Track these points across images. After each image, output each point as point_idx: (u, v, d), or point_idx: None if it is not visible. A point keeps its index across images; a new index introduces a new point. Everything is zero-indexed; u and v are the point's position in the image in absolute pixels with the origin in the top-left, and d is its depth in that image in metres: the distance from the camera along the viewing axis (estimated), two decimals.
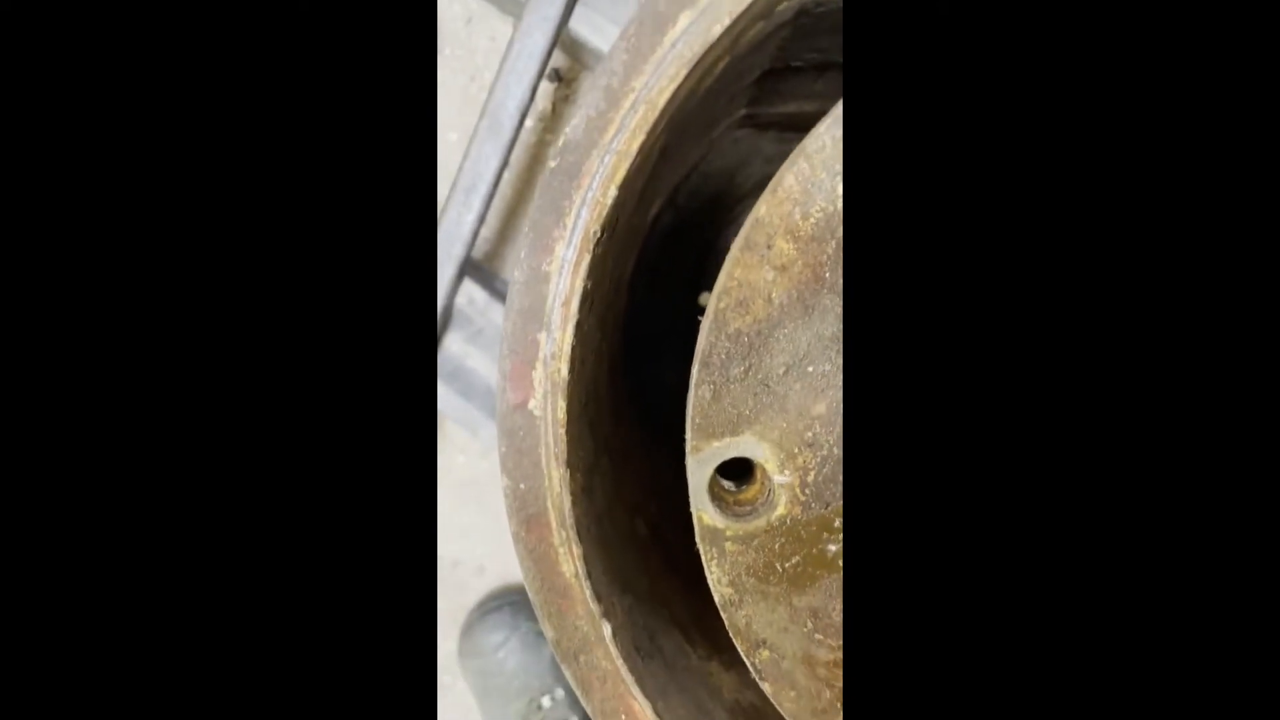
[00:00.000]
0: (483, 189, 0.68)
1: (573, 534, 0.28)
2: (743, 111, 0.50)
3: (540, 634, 0.85)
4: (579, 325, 0.27)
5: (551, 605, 0.30)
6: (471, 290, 0.72)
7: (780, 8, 0.28)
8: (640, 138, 0.26)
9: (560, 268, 0.27)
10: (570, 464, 0.28)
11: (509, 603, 0.85)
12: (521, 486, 0.29)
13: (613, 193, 0.26)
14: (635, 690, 0.29)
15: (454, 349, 0.74)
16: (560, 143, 0.27)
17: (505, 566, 0.88)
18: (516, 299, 0.28)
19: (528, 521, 0.29)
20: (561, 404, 0.27)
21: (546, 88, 0.76)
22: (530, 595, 0.30)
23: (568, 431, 0.28)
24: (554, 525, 0.29)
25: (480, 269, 0.75)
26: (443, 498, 0.87)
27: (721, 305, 0.24)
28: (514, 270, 0.28)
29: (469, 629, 0.85)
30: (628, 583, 0.34)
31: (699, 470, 0.26)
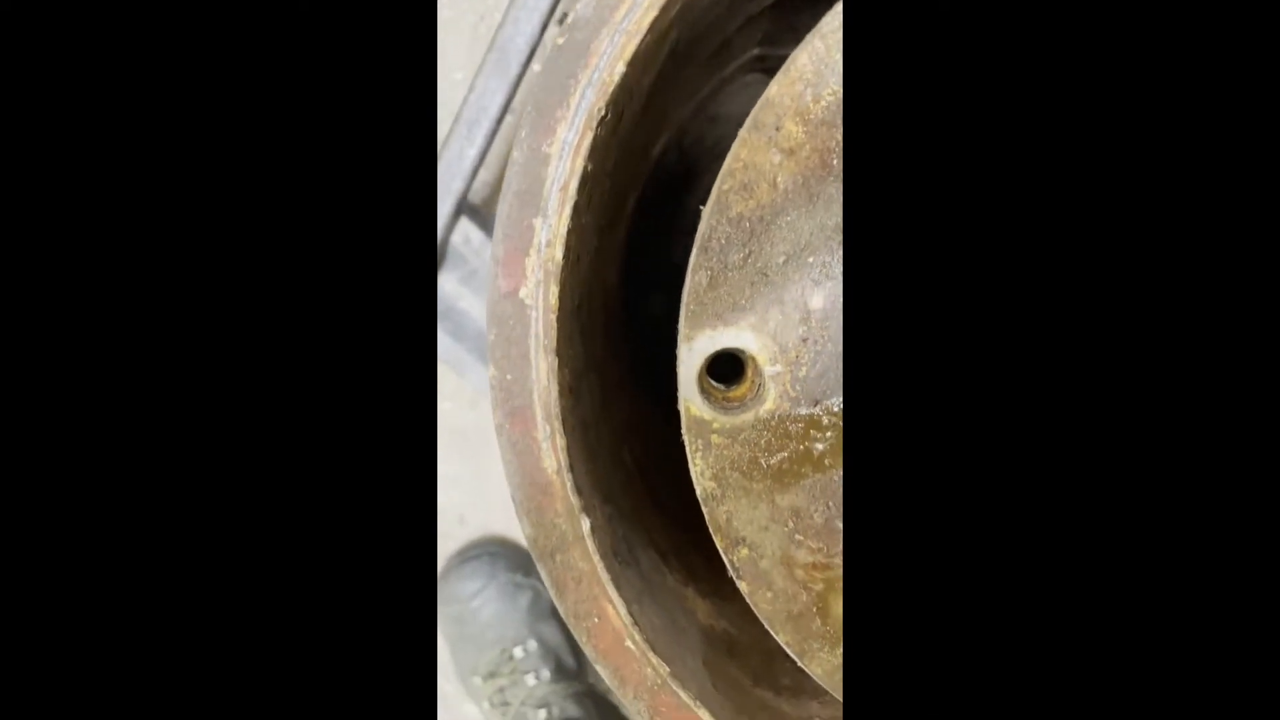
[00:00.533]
0: (486, 124, 0.67)
1: (557, 425, 0.28)
2: (755, 51, 0.50)
3: (517, 585, 0.85)
4: (577, 209, 0.26)
5: (531, 501, 0.29)
6: (468, 229, 0.70)
7: None
8: (653, 14, 0.25)
9: (561, 150, 0.27)
10: (559, 354, 0.28)
11: (487, 552, 0.85)
12: (508, 377, 0.29)
13: (621, 69, 0.25)
14: (611, 591, 0.29)
15: (447, 289, 0.73)
16: (568, 20, 0.26)
17: (487, 517, 0.88)
18: (514, 181, 0.27)
19: (512, 414, 0.29)
20: (554, 290, 0.27)
21: (555, 34, 0.75)
22: (511, 491, 0.30)
23: (559, 320, 0.27)
24: (538, 418, 0.28)
25: (478, 213, 0.74)
26: None
27: (725, 188, 0.24)
28: (512, 151, 0.27)
29: (445, 576, 0.85)
30: (609, 494, 0.34)
31: (690, 359, 0.25)
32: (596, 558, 0.29)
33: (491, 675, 0.84)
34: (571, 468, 0.28)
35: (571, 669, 0.85)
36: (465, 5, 0.78)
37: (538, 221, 0.27)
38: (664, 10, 0.25)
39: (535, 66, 0.75)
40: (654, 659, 0.29)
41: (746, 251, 0.24)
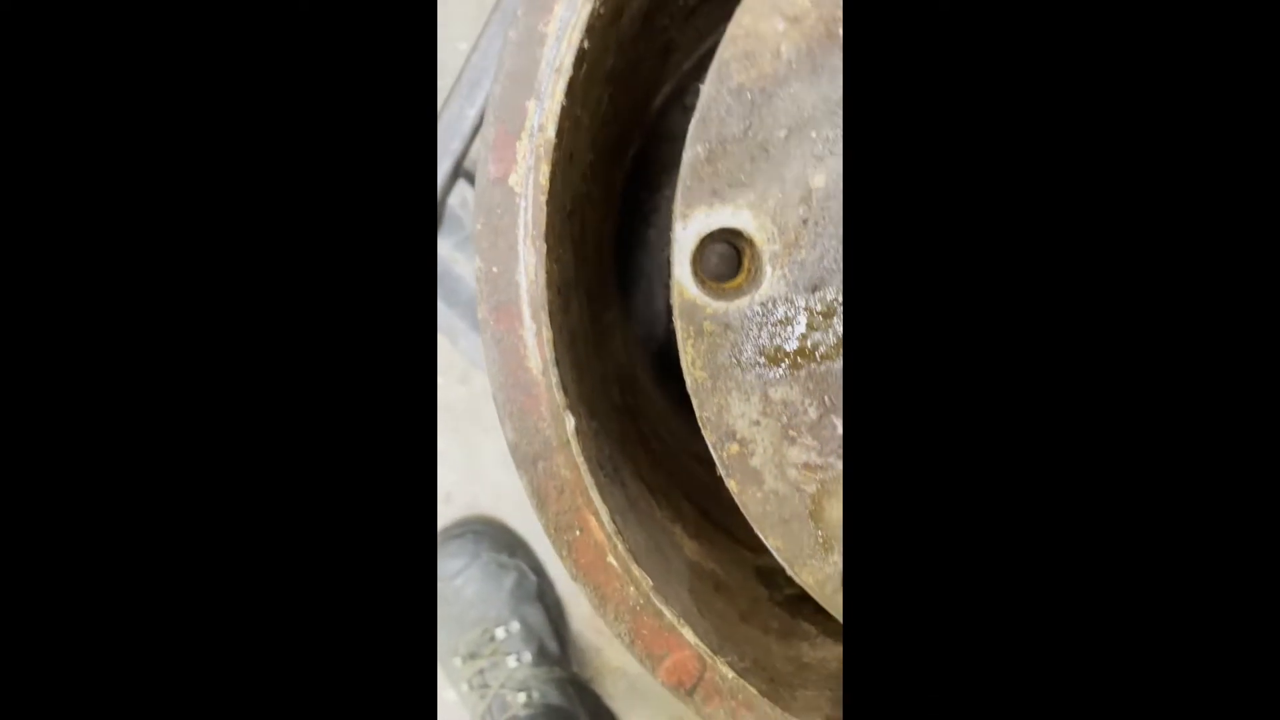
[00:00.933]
0: (487, 84, 0.66)
1: (544, 316, 0.26)
2: None
3: (501, 565, 0.83)
4: (571, 86, 0.25)
5: (514, 403, 0.28)
6: (466, 192, 0.70)
7: None
8: None
9: (559, 30, 0.26)
10: (548, 242, 0.27)
11: (472, 530, 0.83)
12: (494, 270, 0.27)
13: None
14: (595, 498, 0.28)
15: (443, 253, 0.72)
16: None
17: (473, 497, 0.86)
18: (507, 60, 0.26)
19: (497, 308, 0.28)
20: (544, 170, 0.26)
21: None
22: (493, 393, 0.29)
23: (549, 204, 0.26)
24: (525, 314, 0.27)
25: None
26: None
27: (726, 56, 0.23)
28: (507, 30, 0.26)
29: None
30: (595, 411, 0.33)
31: (684, 239, 0.24)
32: (581, 461, 0.27)
33: (472, 656, 0.81)
34: (558, 363, 0.27)
35: (554, 654, 0.82)
36: None
37: (531, 104, 0.26)
38: None
39: None
40: (636, 572, 0.27)
41: (747, 124, 0.23)
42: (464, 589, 0.82)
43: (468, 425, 0.84)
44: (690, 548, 0.36)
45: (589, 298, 0.38)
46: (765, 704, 0.28)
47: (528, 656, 0.80)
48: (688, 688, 0.29)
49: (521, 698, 0.79)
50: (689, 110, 0.58)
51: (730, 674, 0.28)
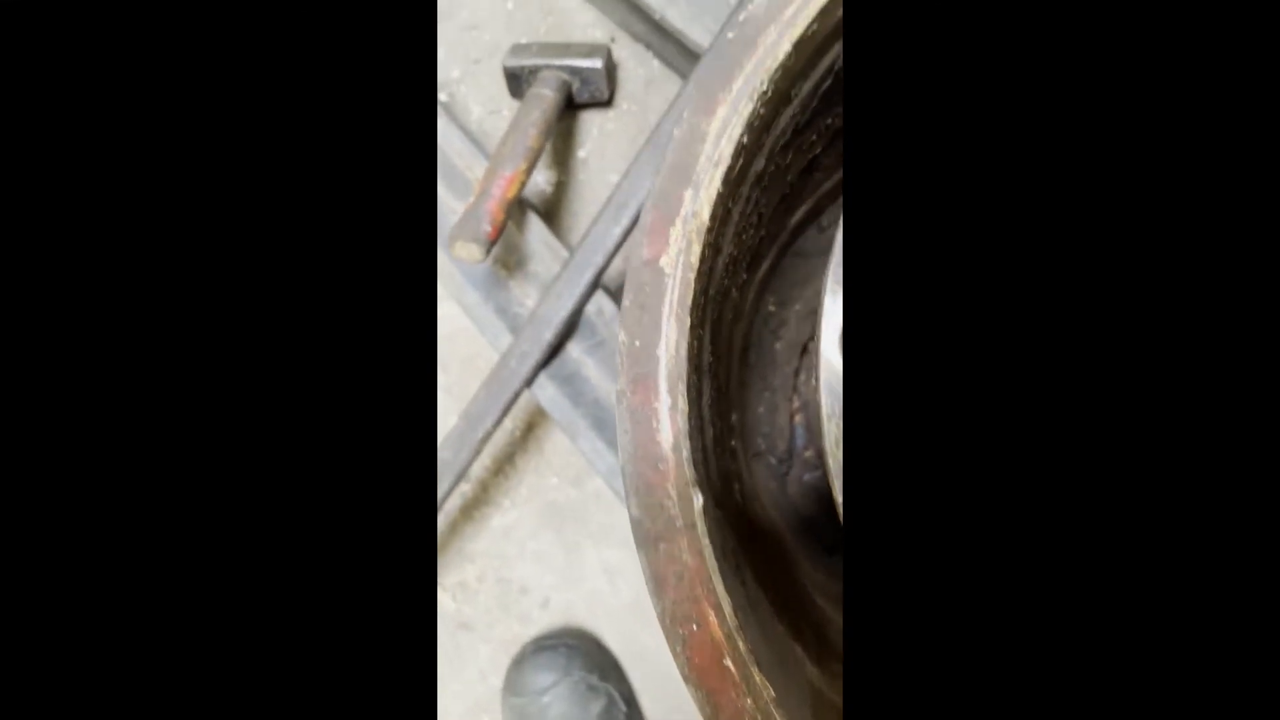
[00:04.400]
0: (633, 207, 0.71)
1: (680, 388, 0.27)
2: None
3: (591, 687, 0.78)
4: (727, 175, 0.27)
5: (641, 479, 0.28)
6: (602, 301, 0.74)
7: None
8: (822, 3, 0.26)
9: (720, 129, 0.28)
10: (691, 317, 0.27)
11: (565, 644, 0.80)
12: (636, 344, 0.28)
13: (786, 48, 0.26)
14: (718, 587, 0.26)
15: (573, 354, 0.75)
16: (740, 18, 0.28)
17: (570, 604, 0.83)
18: (670, 155, 0.29)
19: (635, 380, 0.28)
20: (696, 249, 0.27)
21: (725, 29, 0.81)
22: (621, 464, 0.28)
23: (696, 281, 0.27)
24: (661, 387, 0.28)
25: (612, 294, 0.78)
26: (525, 517, 0.85)
27: None
28: (673, 128, 0.29)
29: (519, 663, 0.80)
30: (719, 499, 0.31)
31: (834, 309, 0.24)
32: (706, 545, 0.26)
33: None
34: (690, 436, 0.26)
35: None
36: (628, 120, 0.87)
37: (688, 193, 0.28)
38: (833, 3, 0.27)
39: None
40: (758, 679, 0.25)
41: None
42: (550, 708, 0.77)
43: (573, 528, 0.84)
44: (811, 671, 0.33)
45: (718, 392, 0.38)
46: None
47: None
48: None
49: None
50: (824, 230, 0.60)
51: None
